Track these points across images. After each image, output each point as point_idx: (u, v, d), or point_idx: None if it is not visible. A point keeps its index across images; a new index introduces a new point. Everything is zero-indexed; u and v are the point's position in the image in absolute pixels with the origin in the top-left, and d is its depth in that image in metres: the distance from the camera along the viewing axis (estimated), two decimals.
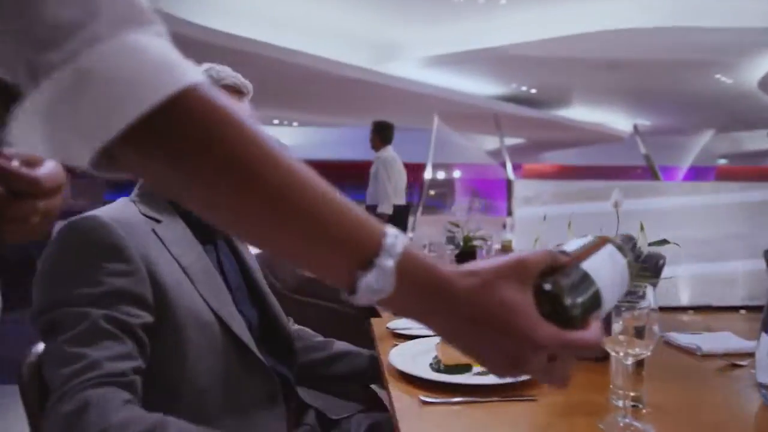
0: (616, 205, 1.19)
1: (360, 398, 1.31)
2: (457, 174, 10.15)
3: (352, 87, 8.57)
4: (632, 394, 0.86)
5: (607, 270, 0.52)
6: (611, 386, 0.86)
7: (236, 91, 1.06)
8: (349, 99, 9.59)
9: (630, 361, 0.78)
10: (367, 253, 0.40)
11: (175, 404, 0.89)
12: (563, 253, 0.51)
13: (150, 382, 0.85)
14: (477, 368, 1.05)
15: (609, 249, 0.56)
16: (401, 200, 4.48)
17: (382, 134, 4.40)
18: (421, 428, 0.82)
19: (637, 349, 0.77)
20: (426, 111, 8.54)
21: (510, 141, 15.19)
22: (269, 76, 7.80)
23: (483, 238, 2.59)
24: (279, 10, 7.32)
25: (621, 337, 0.78)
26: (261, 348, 1.04)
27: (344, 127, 14.69)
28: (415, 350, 1.12)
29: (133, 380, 0.81)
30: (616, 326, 0.81)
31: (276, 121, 13.96)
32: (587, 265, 0.50)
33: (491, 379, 0.97)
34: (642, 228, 1.13)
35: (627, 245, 0.65)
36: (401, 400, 0.91)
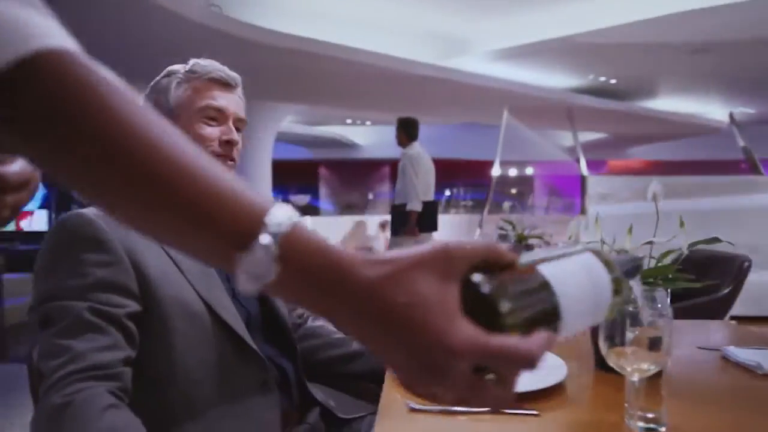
0: (654, 198, 1.06)
1: (377, 399, 1.27)
2: (529, 171, 9.76)
3: (420, 84, 8.49)
4: (649, 415, 0.75)
5: (577, 282, 0.44)
6: (626, 404, 0.75)
7: (224, 84, 1.05)
8: (418, 96, 9.51)
9: (636, 377, 0.67)
10: (246, 234, 0.36)
11: (166, 393, 0.90)
12: (516, 250, 0.44)
13: (139, 371, 0.86)
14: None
15: (588, 259, 0.47)
16: (430, 196, 4.38)
17: (407, 130, 4.29)
18: None
19: (644, 365, 0.66)
20: (497, 106, 8.29)
21: (591, 136, 14.39)
22: (337, 76, 7.94)
23: (539, 237, 2.44)
24: (344, 10, 7.41)
25: (628, 350, 0.67)
26: (260, 339, 1.03)
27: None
28: None
29: (119, 372, 0.83)
30: (629, 336, 0.70)
31: (349, 121, 14.20)
32: (548, 271, 0.42)
33: None
34: (682, 224, 0.99)
35: (630, 264, 0.55)
36: (390, 404, 0.86)
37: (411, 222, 4.22)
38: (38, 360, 0.84)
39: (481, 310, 0.37)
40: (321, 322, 1.37)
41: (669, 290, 1.23)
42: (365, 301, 0.36)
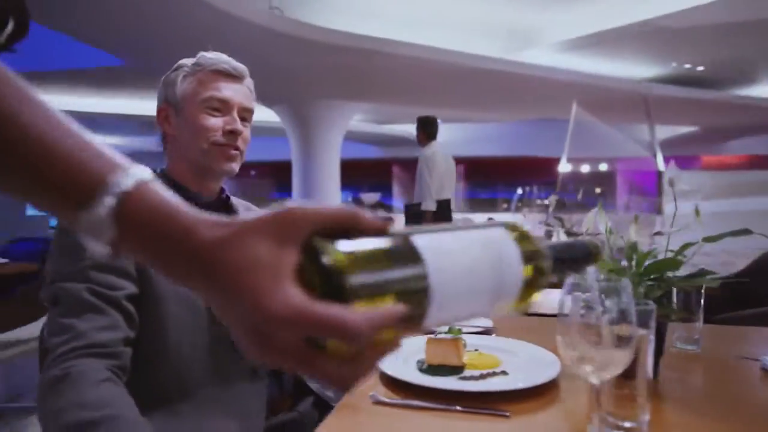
0: (671, 183, 0.95)
1: None
2: (600, 167, 9.20)
3: (488, 79, 8.26)
4: (627, 424, 0.66)
5: (466, 257, 0.39)
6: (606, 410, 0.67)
7: (228, 75, 1.07)
8: (487, 92, 9.26)
9: (595, 379, 0.59)
10: (87, 192, 0.36)
11: (159, 372, 0.93)
12: (388, 218, 0.39)
13: (135, 350, 0.90)
14: (471, 371, 0.92)
15: (492, 234, 0.41)
16: (446, 195, 4.37)
17: (426, 129, 4.34)
18: (345, 426, 0.74)
19: (603, 365, 0.58)
20: (570, 100, 7.87)
21: (681, 130, 13.30)
22: (401, 74, 7.93)
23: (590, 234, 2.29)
24: (407, 7, 7.35)
25: (580, 345, 0.59)
26: None
27: (489, 123, 14.32)
28: (416, 346, 1.01)
29: (118, 351, 0.87)
30: (602, 332, 0.62)
31: None
32: (424, 242, 0.37)
33: (463, 386, 0.83)
34: (697, 213, 0.87)
35: (581, 250, 0.48)
36: (356, 395, 0.83)
37: (426, 221, 4.25)
38: (46, 338, 0.90)
39: (323, 278, 0.34)
40: None
41: (703, 291, 1.10)
42: (204, 262, 0.35)
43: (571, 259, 0.48)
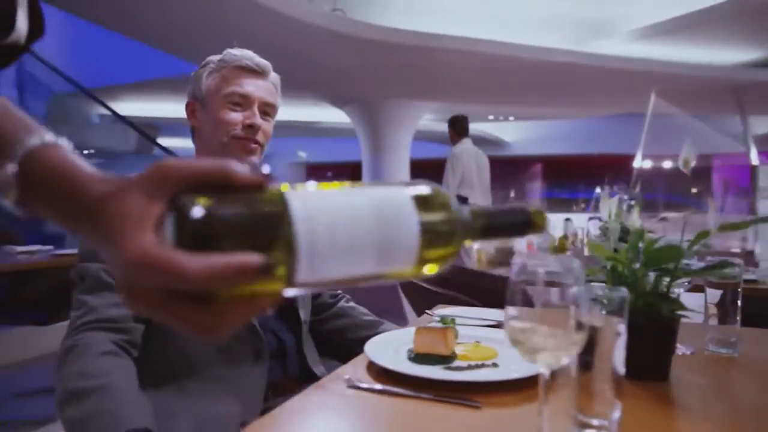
0: (685, 165, 0.87)
1: None
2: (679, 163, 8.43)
3: (561, 73, 7.88)
4: (595, 421, 0.61)
5: (347, 216, 0.38)
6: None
7: (251, 71, 1.11)
8: (560, 87, 8.85)
9: (544, 369, 0.55)
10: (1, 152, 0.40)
11: (167, 349, 0.99)
12: (266, 175, 0.39)
13: (147, 327, 0.97)
14: (459, 362, 0.89)
15: (388, 195, 0.40)
16: (478, 192, 4.41)
17: (455, 128, 4.42)
18: (314, 405, 0.74)
19: (538, 348, 0.53)
20: (649, 92, 7.34)
21: None
22: (468, 70, 7.80)
23: (650, 231, 2.14)
24: (470, 1, 7.20)
25: (527, 332, 0.55)
26: None
27: (563, 120, 13.72)
28: (410, 336, 1.00)
29: (128, 327, 0.94)
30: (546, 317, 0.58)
31: (491, 117, 13.85)
32: (299, 197, 0.37)
33: (444, 375, 0.81)
34: (711, 202, 0.78)
35: (511, 217, 0.46)
36: (333, 379, 0.83)
37: None
38: (71, 312, 1.00)
39: (178, 230, 0.35)
40: (353, 304, 1.38)
41: (740, 288, 0.99)
42: (92, 214, 0.38)
43: (506, 224, 0.45)
